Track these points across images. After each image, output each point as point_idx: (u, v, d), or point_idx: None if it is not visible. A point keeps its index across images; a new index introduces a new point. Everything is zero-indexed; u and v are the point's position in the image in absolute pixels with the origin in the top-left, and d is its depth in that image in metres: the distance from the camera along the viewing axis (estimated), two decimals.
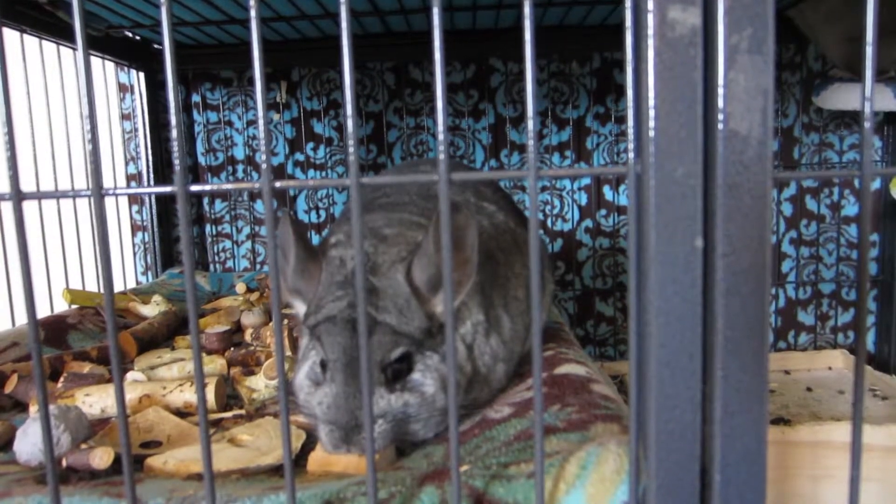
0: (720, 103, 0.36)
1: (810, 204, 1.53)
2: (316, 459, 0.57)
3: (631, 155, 0.38)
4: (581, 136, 1.52)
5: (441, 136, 0.37)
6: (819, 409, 1.23)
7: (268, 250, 0.38)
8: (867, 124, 0.37)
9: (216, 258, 1.58)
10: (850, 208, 1.53)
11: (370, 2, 1.19)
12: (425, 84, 1.52)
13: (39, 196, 0.42)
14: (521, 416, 0.59)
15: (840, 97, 1.32)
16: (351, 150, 0.37)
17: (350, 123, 0.37)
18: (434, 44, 0.36)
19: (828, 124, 1.50)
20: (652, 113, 0.36)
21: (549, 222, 1.55)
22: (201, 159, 1.55)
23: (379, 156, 1.54)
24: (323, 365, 0.59)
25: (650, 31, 0.36)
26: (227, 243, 1.57)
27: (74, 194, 0.39)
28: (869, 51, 0.37)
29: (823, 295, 1.56)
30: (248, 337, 1.02)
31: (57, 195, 0.42)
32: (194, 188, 0.39)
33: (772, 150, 0.37)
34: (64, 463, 0.58)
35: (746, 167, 0.36)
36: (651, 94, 0.36)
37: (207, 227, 1.57)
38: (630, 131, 0.37)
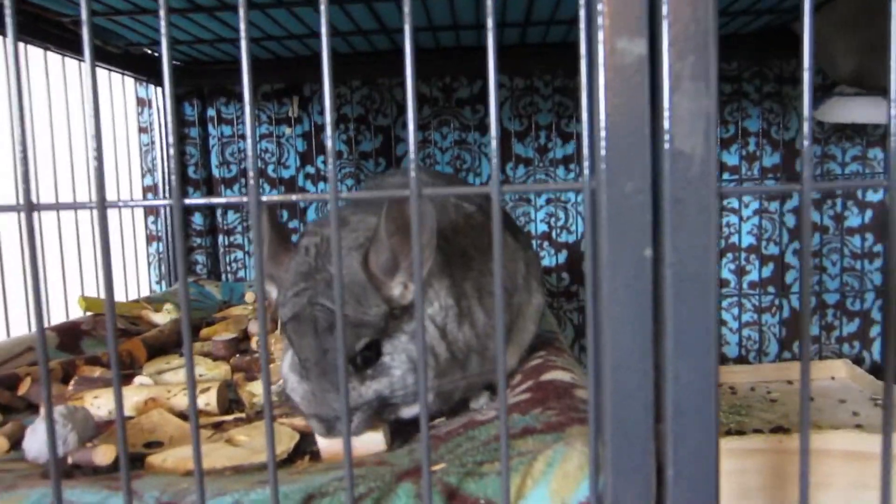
0: (666, 125, 0.39)
1: (813, 215, 1.54)
2: (327, 449, 0.62)
3: (586, 172, 0.41)
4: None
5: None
6: (819, 418, 1.23)
7: (254, 258, 0.41)
8: (806, 142, 0.40)
9: (228, 268, 1.62)
10: (854, 219, 1.54)
11: (378, 20, 1.23)
12: (433, 99, 1.56)
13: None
14: None
15: (839, 111, 1.34)
16: (329, 166, 0.41)
17: (328, 132, 0.41)
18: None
19: (830, 136, 1.51)
20: (603, 134, 0.39)
21: (553, 234, 1.58)
22: (215, 171, 1.60)
23: (387, 168, 1.58)
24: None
25: (601, 61, 0.39)
26: (239, 254, 1.62)
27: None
28: None
29: (828, 305, 1.57)
30: (254, 345, 1.06)
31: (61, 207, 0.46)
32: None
33: (715, 166, 0.40)
34: (70, 460, 0.62)
35: (690, 183, 0.39)
36: (602, 117, 0.39)
37: (220, 238, 1.62)
38: (585, 150, 0.40)
